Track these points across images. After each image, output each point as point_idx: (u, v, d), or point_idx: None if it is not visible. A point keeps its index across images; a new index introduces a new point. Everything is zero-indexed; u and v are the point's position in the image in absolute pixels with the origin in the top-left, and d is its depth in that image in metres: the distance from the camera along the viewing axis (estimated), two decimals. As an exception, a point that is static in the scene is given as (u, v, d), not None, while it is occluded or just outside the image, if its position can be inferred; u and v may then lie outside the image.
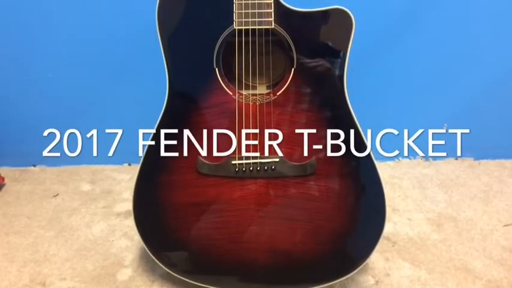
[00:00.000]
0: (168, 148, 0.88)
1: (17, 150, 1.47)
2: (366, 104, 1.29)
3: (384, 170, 1.44)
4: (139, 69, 1.31)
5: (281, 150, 0.85)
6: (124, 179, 1.39)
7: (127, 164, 1.48)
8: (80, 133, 1.43)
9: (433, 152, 1.47)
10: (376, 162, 0.85)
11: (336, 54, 0.81)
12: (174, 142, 0.88)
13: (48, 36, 1.28)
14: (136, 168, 0.90)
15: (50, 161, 1.48)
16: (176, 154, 0.88)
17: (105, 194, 1.32)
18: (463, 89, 1.39)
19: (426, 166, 1.46)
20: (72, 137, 1.44)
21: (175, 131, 0.88)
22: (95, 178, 1.40)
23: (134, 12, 1.20)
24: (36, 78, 1.34)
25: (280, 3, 0.79)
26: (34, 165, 1.48)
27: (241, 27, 0.80)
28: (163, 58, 0.84)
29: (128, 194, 1.31)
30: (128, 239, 1.12)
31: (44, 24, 1.27)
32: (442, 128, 1.44)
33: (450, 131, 1.44)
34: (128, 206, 1.23)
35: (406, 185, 1.35)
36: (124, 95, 1.37)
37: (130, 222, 0.99)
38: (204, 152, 0.87)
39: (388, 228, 0.87)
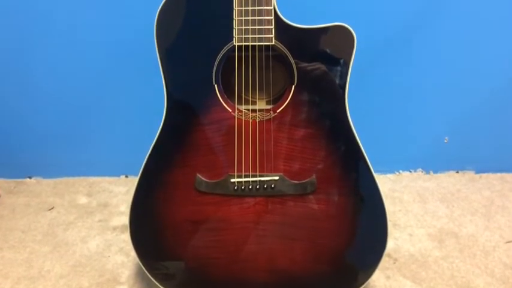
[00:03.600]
0: (165, 164, 0.87)
1: (12, 161, 1.45)
2: (366, 116, 1.29)
3: (384, 183, 1.42)
4: (138, 82, 1.30)
5: (281, 168, 0.84)
6: (121, 192, 1.37)
7: (124, 176, 1.46)
8: (77, 144, 1.43)
9: (433, 164, 1.47)
10: (376, 179, 0.84)
11: (337, 72, 0.80)
12: (172, 158, 0.86)
13: (45, 46, 1.27)
14: (133, 180, 0.88)
15: (46, 173, 1.46)
16: (174, 171, 0.86)
17: (102, 207, 1.30)
18: (464, 101, 1.38)
19: (427, 179, 1.45)
20: (69, 148, 1.43)
21: (173, 147, 0.86)
22: (92, 190, 1.39)
23: (134, 25, 1.19)
24: (32, 89, 1.33)
25: (280, 19, 0.78)
26: (30, 177, 1.46)
27: (241, 44, 0.79)
28: (161, 74, 0.83)
29: (125, 207, 1.29)
30: (123, 255, 1.10)
31: (41, 35, 1.26)
32: (443, 141, 1.43)
33: (451, 143, 1.44)
34: (125, 219, 1.21)
35: (407, 199, 1.34)
36: (121, 106, 1.35)
37: (127, 236, 0.97)
38: (202, 169, 0.85)
39: (389, 244, 0.85)
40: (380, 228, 0.86)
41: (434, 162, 1.47)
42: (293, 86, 0.81)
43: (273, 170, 0.84)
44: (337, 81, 0.80)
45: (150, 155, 0.87)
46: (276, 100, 0.86)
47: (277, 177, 0.83)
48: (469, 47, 1.28)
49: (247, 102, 0.85)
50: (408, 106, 1.37)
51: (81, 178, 1.45)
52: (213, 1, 0.79)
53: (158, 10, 0.79)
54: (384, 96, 1.35)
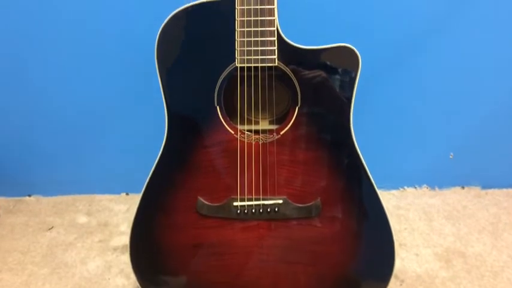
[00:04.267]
0: (166, 187, 0.85)
1: (12, 179, 1.43)
2: (371, 131, 1.27)
3: (389, 200, 1.40)
4: (139, 99, 1.28)
5: (284, 191, 0.82)
6: (121, 210, 1.35)
7: (124, 194, 1.44)
8: (77, 161, 1.41)
9: (438, 180, 1.45)
10: (381, 195, 0.82)
11: (342, 93, 0.78)
12: (173, 181, 0.85)
13: (46, 63, 1.26)
14: (134, 197, 0.86)
15: (46, 190, 1.44)
16: (175, 193, 0.85)
17: (102, 227, 1.27)
18: (469, 116, 1.36)
19: (432, 196, 1.42)
20: (69, 165, 1.42)
21: (174, 169, 0.84)
22: (92, 209, 1.36)
23: (136, 44, 1.17)
24: (31, 106, 1.31)
25: (283, 40, 0.76)
26: (29, 195, 1.44)
27: (243, 65, 0.77)
28: (162, 95, 0.81)
29: (125, 227, 1.26)
30: (124, 277, 1.07)
31: (42, 53, 1.24)
32: (448, 157, 1.41)
33: (456, 159, 1.42)
34: (125, 239, 1.19)
35: (412, 217, 1.31)
36: (122, 123, 1.34)
37: (127, 258, 0.95)
38: (204, 192, 0.83)
39: (395, 264, 0.84)
40: (387, 252, 0.85)
41: (440, 178, 1.45)
42: (297, 107, 0.79)
43: (276, 193, 0.82)
44: (342, 103, 0.79)
45: (151, 177, 0.85)
46: (279, 120, 0.84)
47: (281, 201, 0.82)
48: (474, 61, 1.27)
49: (250, 122, 0.84)
50: (413, 121, 1.35)
51: (82, 196, 1.43)
52: (215, 22, 0.78)
53: (159, 31, 0.78)
54: (388, 112, 1.33)
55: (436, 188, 1.46)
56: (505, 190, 1.44)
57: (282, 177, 0.81)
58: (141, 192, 0.86)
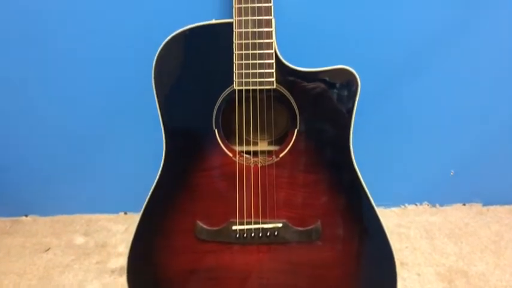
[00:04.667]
0: (164, 211, 0.84)
1: (9, 199, 1.42)
2: (370, 148, 1.26)
3: (389, 218, 1.38)
4: (137, 120, 1.27)
5: (284, 215, 0.81)
6: (119, 230, 1.34)
7: (123, 213, 1.43)
8: (75, 180, 1.40)
9: (439, 197, 1.44)
10: (381, 213, 0.81)
11: (341, 115, 0.78)
12: (171, 204, 0.83)
13: (43, 83, 1.25)
14: (132, 217, 0.85)
15: (43, 210, 1.42)
16: (173, 217, 0.83)
17: (100, 248, 1.26)
18: (470, 132, 1.35)
19: (433, 213, 1.41)
20: (66, 185, 1.40)
21: (172, 193, 0.83)
22: (89, 229, 1.35)
23: (135, 66, 1.17)
24: (27, 125, 1.30)
25: (282, 62, 0.76)
26: (26, 215, 1.43)
27: (241, 88, 0.77)
28: (160, 118, 0.81)
29: (123, 247, 1.25)
30: (122, 301, 1.06)
31: (39, 73, 1.24)
32: (449, 174, 1.40)
33: (457, 175, 1.41)
34: (123, 261, 1.16)
35: (414, 235, 1.30)
36: (119, 143, 1.32)
37: (125, 280, 0.93)
38: (202, 216, 0.82)
39: (397, 285, 0.82)
40: (388, 273, 0.83)
41: (441, 194, 1.43)
42: (296, 130, 0.78)
43: (276, 217, 0.81)
44: (342, 126, 0.78)
45: (149, 199, 0.84)
46: (278, 141, 0.83)
47: (280, 224, 0.80)
48: (474, 80, 1.26)
49: (248, 143, 0.83)
50: (413, 139, 1.34)
51: (79, 215, 1.42)
52: (213, 45, 0.77)
53: (157, 53, 0.78)
54: (388, 129, 1.32)
55: (437, 205, 1.44)
56: (507, 207, 1.43)
57: (282, 200, 0.80)
58: (139, 211, 0.84)
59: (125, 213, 1.43)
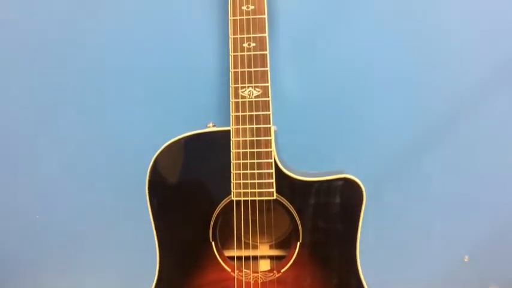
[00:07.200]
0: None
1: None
2: (382, 231, 1.19)
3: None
4: (132, 229, 1.21)
5: (288, 335, 0.74)
6: None
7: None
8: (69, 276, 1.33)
9: (454, 285, 1.35)
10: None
11: (347, 227, 0.72)
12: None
13: (35, 170, 1.21)
14: None
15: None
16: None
17: None
18: (485, 214, 1.28)
19: (449, 303, 1.32)
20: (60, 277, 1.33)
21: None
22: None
23: (127, 173, 1.13)
24: (17, 227, 1.25)
25: (282, 171, 0.72)
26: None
27: (239, 199, 0.72)
28: (153, 228, 0.76)
29: None
30: None
31: (30, 157, 1.20)
32: (463, 260, 1.33)
33: (472, 262, 1.33)
34: None
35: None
36: (115, 252, 1.26)
37: None
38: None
39: None
40: None
41: (455, 282, 1.35)
42: (298, 243, 0.73)
43: (279, 338, 0.74)
44: (347, 237, 0.73)
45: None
46: (280, 244, 0.78)
47: None
48: (488, 160, 1.22)
49: (248, 246, 0.78)
50: (424, 226, 1.28)
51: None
52: (209, 154, 0.74)
53: (151, 162, 0.74)
54: (396, 212, 1.26)
55: (453, 294, 1.35)
56: (527, 295, 1.34)
57: (284, 318, 0.74)
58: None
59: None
